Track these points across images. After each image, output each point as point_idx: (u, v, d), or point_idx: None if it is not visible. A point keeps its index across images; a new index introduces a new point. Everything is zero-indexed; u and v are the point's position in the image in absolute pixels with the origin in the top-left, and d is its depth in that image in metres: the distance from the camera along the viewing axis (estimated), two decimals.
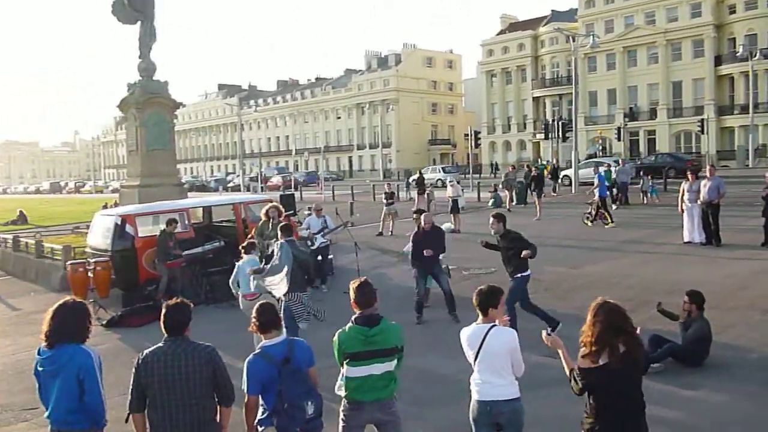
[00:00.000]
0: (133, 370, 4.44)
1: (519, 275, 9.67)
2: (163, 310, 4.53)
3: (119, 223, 13.71)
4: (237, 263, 9.83)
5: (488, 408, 4.77)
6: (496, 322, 4.90)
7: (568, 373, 4.38)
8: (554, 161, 33.41)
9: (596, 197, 20.96)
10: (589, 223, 20.82)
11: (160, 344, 4.47)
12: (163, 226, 13.39)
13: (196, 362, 4.38)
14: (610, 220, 20.47)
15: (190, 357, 4.38)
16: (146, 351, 4.47)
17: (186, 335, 4.53)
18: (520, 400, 4.85)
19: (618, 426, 4.23)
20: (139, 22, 19.83)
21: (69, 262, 14.86)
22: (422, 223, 11.33)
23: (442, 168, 56.54)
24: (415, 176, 32.95)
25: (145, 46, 19.93)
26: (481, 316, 4.93)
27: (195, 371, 4.36)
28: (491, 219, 10.04)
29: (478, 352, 4.79)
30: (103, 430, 4.58)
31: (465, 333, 4.96)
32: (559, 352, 4.51)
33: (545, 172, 32.86)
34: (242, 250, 10.01)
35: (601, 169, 23.95)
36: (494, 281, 10.82)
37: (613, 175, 26.65)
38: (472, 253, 14.29)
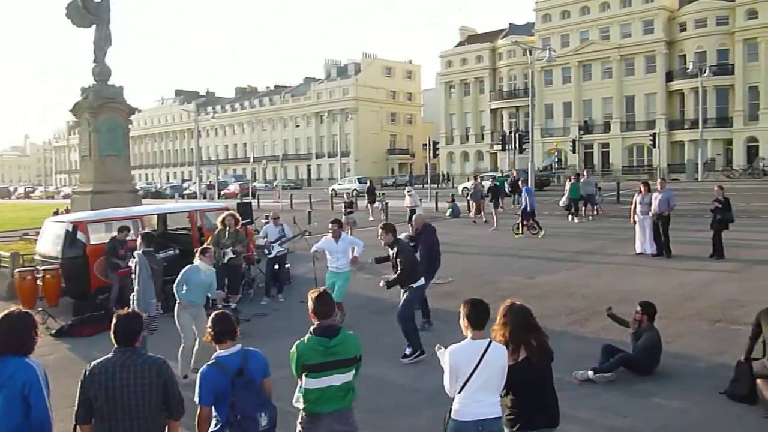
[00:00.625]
0: (80, 381, 4.33)
1: (413, 285, 9.34)
2: (114, 320, 4.45)
3: (70, 229, 13.37)
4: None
5: (479, 427, 4.54)
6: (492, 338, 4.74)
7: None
8: (514, 173, 33.47)
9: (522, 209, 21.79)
10: (516, 235, 21.29)
11: (109, 355, 4.38)
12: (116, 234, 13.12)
13: (145, 375, 4.30)
14: (539, 230, 21.09)
15: (139, 369, 4.30)
16: (94, 362, 4.37)
17: (136, 346, 4.45)
18: None
19: (542, 411, 4.70)
20: (94, 26, 19.47)
21: (17, 270, 14.40)
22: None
23: (358, 179, 56.87)
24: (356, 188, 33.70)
25: (100, 50, 19.56)
26: (472, 332, 4.66)
27: (144, 384, 4.28)
28: (380, 230, 9.62)
29: (475, 368, 4.53)
30: None
31: (459, 348, 4.63)
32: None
33: (505, 184, 33.11)
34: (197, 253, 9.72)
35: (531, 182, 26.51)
36: (451, 291, 10.88)
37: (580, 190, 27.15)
38: None
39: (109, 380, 4.25)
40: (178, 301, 9.24)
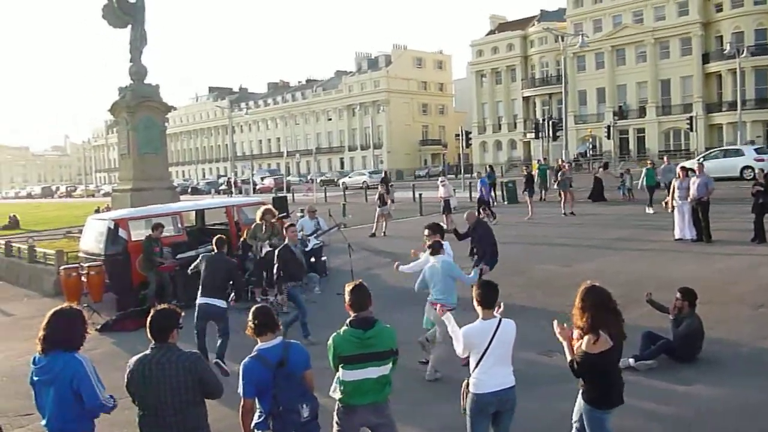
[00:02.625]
0: (125, 378, 4.53)
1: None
2: (149, 317, 4.59)
3: (112, 227, 13.69)
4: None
5: (497, 398, 5.00)
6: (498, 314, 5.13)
7: (569, 358, 4.77)
8: (562, 162, 32.09)
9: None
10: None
11: (147, 351, 4.54)
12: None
13: (180, 370, 4.44)
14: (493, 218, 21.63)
15: (173, 365, 4.44)
16: (133, 359, 4.56)
17: (171, 342, 4.57)
18: None
19: (619, 392, 4.85)
20: (129, 26, 19.84)
21: (62, 267, 14.82)
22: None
23: (369, 172, 57.85)
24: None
25: (136, 50, 19.92)
26: (483, 312, 5.10)
27: (179, 379, 4.43)
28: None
29: (488, 346, 4.97)
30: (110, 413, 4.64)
31: (472, 330, 5.10)
32: (565, 343, 4.81)
33: (548, 173, 32.26)
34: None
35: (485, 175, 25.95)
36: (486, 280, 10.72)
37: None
38: (460, 252, 14.30)
39: (146, 377, 4.43)
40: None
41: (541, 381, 7.31)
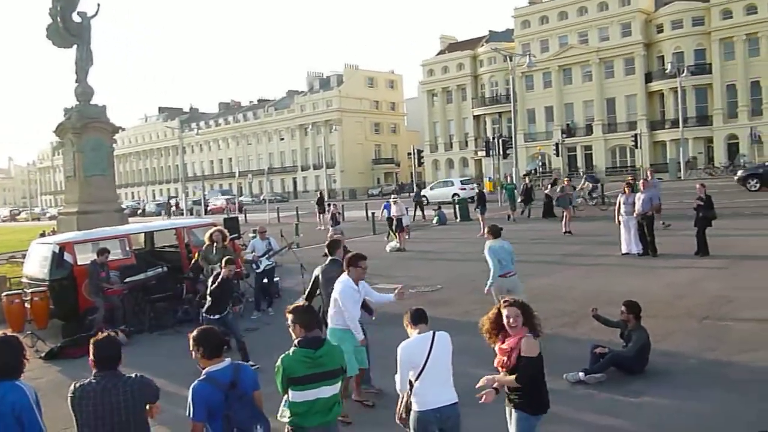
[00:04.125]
0: (69, 406, 4.37)
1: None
2: (91, 347, 4.46)
3: (57, 251, 13.31)
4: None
5: (438, 415, 4.90)
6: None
7: (507, 378, 4.92)
8: (527, 180, 32.17)
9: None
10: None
11: (91, 379, 4.39)
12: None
13: (128, 393, 4.33)
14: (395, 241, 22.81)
15: (121, 390, 4.33)
16: (74, 386, 4.39)
17: (116, 370, 4.45)
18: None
19: (546, 396, 5.04)
20: (75, 46, 19.42)
21: (4, 293, 14.31)
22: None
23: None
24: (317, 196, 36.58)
25: (82, 70, 19.50)
26: (416, 330, 5.12)
27: (128, 404, 4.32)
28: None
29: (426, 361, 4.89)
30: None
31: (408, 346, 5.05)
32: (497, 375, 4.99)
33: (515, 192, 30.43)
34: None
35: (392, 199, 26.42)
36: (442, 298, 10.91)
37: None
38: (416, 272, 14.40)
39: (97, 404, 4.28)
40: None
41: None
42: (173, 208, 58.79)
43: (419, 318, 5.17)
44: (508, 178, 39.34)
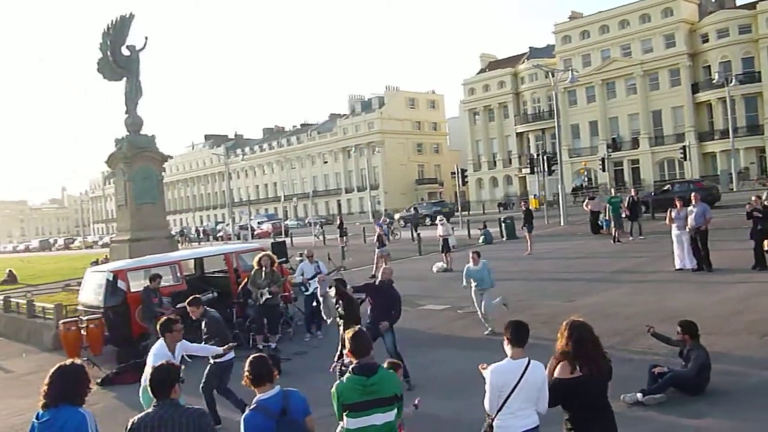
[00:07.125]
0: None
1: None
2: (148, 374, 4.50)
3: (111, 278, 13.62)
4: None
5: None
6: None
7: None
8: (633, 192, 26.38)
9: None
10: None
11: (149, 410, 4.44)
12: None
13: (183, 428, 4.33)
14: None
15: (177, 422, 4.33)
16: (134, 418, 4.43)
17: (174, 398, 4.47)
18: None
19: (600, 425, 4.82)
20: (124, 79, 20.02)
21: (61, 321, 14.70)
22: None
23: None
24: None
25: (131, 102, 20.07)
26: (512, 351, 4.89)
27: None
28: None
29: (515, 387, 4.76)
30: None
31: (498, 369, 4.88)
32: None
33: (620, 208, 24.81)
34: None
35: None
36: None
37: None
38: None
39: None
40: None
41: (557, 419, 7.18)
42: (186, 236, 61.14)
43: (519, 339, 4.92)
44: (612, 191, 31.24)
